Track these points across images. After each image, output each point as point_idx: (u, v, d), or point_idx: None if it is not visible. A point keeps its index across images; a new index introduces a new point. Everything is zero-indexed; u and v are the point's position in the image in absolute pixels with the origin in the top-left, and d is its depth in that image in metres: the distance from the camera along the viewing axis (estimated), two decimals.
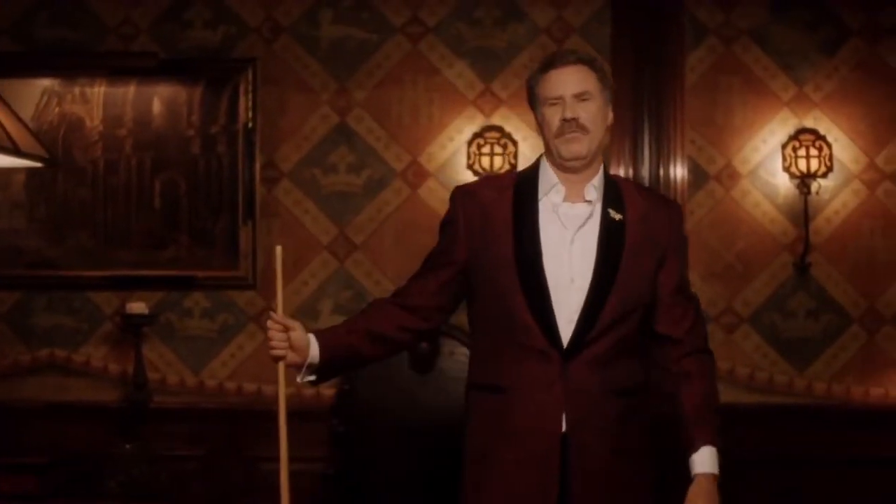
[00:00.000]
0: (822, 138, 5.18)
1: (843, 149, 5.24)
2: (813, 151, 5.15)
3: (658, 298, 3.03)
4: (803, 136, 5.18)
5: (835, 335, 5.26)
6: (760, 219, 5.24)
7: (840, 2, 5.29)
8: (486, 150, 5.11)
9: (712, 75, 5.28)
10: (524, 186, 3.05)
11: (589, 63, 3.03)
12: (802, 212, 5.18)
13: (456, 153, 5.23)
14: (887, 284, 5.27)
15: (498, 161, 5.06)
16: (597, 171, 3.06)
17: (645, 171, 5.06)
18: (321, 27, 5.29)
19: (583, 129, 2.97)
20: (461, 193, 3.13)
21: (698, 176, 5.23)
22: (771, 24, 5.30)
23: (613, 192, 3.05)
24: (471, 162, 5.13)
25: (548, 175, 3.04)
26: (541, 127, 3.06)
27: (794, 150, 5.17)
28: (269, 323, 3.01)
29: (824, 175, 5.16)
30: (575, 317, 2.91)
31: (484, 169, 5.07)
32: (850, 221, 5.26)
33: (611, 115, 3.09)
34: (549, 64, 3.03)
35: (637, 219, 3.02)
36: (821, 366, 5.25)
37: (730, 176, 5.25)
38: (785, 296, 5.25)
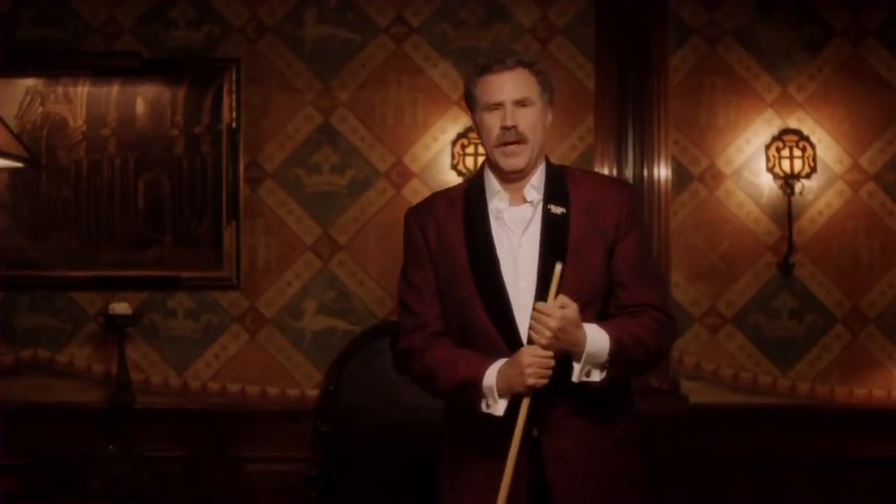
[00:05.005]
0: (806, 139, 5.19)
1: (827, 149, 5.25)
2: (797, 152, 5.17)
3: (617, 282, 2.98)
4: (787, 137, 5.20)
5: (819, 335, 5.27)
6: (744, 219, 5.25)
7: (824, 2, 5.30)
8: (470, 150, 5.10)
9: (696, 76, 5.28)
10: (473, 197, 3.04)
11: (529, 66, 2.98)
12: (786, 212, 5.18)
13: (440, 153, 5.23)
14: (871, 285, 5.28)
15: (482, 162, 5.05)
16: (536, 170, 3.04)
17: (629, 172, 5.06)
18: (305, 27, 5.28)
19: (522, 137, 2.95)
20: (414, 214, 3.13)
21: (682, 176, 5.23)
22: (755, 25, 5.30)
23: (556, 186, 3.02)
24: (455, 162, 5.13)
25: (491, 183, 3.04)
26: (478, 130, 3.04)
27: (778, 150, 5.18)
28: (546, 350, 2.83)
29: (808, 175, 5.17)
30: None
31: (468, 169, 5.06)
32: (833, 222, 5.27)
33: (550, 117, 3.05)
34: (488, 67, 2.97)
35: (582, 210, 2.98)
36: (805, 366, 5.26)
37: (713, 176, 5.25)
38: (769, 296, 5.26)
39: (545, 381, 2.80)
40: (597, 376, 2.86)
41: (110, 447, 4.89)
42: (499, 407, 2.85)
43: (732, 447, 5.09)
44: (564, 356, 2.84)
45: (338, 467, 4.82)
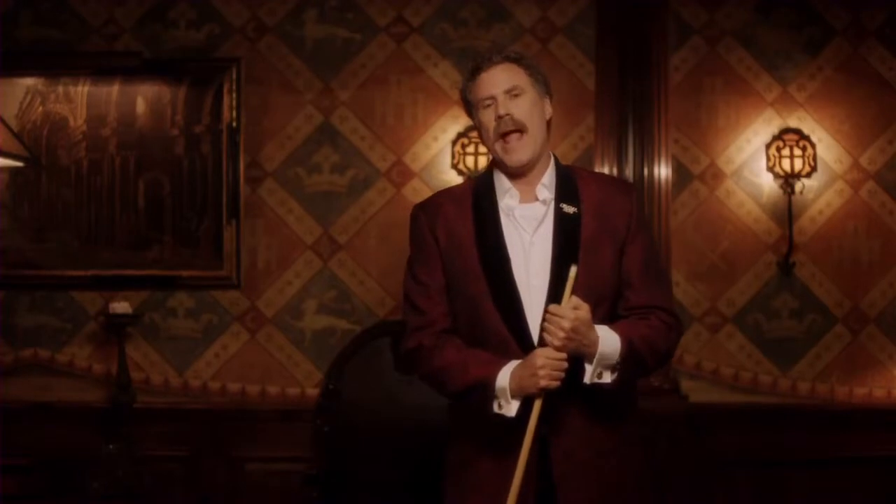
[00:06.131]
0: (806, 138, 5.19)
1: (827, 149, 5.25)
2: (797, 151, 5.17)
3: (626, 283, 2.98)
4: (787, 136, 5.20)
5: (819, 335, 5.27)
6: (744, 219, 5.25)
7: (824, 2, 5.30)
8: (470, 149, 5.10)
9: (697, 75, 5.28)
10: (482, 196, 3.03)
11: (516, 60, 3.01)
12: (786, 212, 5.18)
13: (440, 153, 5.23)
14: (871, 284, 5.28)
15: (482, 161, 5.05)
16: (546, 168, 3.04)
17: (629, 171, 5.05)
18: (305, 27, 5.28)
19: (520, 125, 2.95)
20: (423, 212, 3.09)
21: (682, 176, 5.23)
22: (755, 25, 5.31)
23: (567, 186, 3.02)
24: (455, 161, 5.13)
25: (500, 181, 3.03)
26: (479, 131, 3.05)
27: (779, 149, 5.18)
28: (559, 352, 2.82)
29: (808, 175, 5.17)
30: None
31: (468, 168, 5.06)
32: (834, 221, 5.27)
33: (549, 110, 3.05)
34: (477, 68, 3.01)
35: (592, 209, 2.98)
36: (805, 366, 5.26)
37: (714, 176, 5.25)
38: (769, 296, 5.26)
39: (558, 382, 2.79)
40: (608, 378, 2.86)
41: (110, 447, 4.89)
42: (511, 408, 2.84)
43: (732, 447, 5.09)
44: (576, 358, 2.84)
45: (338, 467, 4.82)
